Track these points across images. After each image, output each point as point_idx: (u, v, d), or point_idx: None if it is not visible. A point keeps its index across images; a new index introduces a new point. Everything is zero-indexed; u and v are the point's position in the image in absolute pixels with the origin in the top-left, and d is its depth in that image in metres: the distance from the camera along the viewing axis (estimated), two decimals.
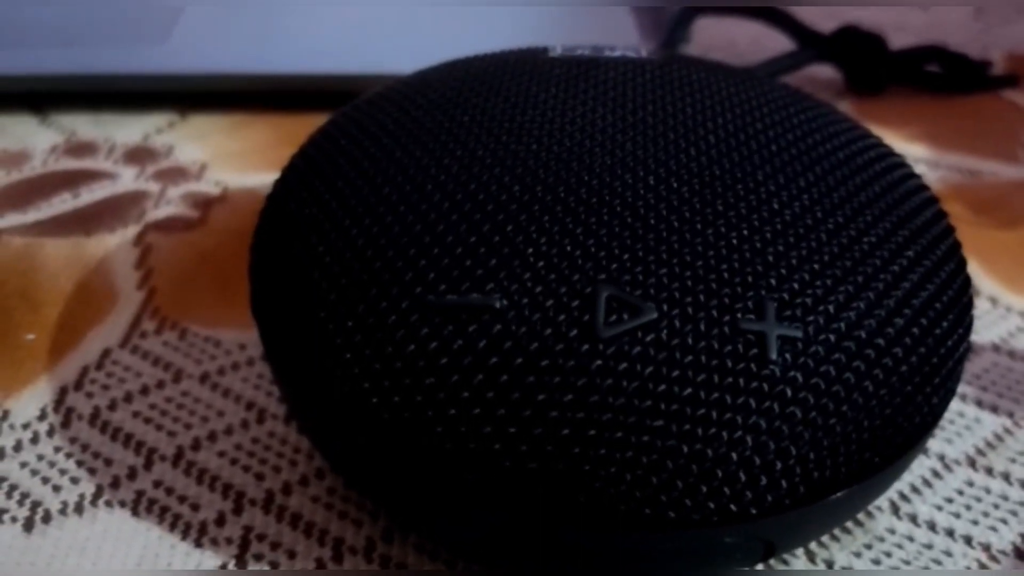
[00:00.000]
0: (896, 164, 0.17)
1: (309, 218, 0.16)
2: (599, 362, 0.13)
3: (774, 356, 0.13)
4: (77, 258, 0.22)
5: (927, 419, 0.14)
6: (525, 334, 0.13)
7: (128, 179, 0.25)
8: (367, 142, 0.17)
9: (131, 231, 0.23)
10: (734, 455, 0.13)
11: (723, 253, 0.14)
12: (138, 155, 0.26)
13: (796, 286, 0.14)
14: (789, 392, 0.13)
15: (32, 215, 0.24)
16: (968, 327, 0.15)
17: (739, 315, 0.13)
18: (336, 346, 0.14)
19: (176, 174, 0.25)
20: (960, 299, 0.15)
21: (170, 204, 0.24)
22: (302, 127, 0.28)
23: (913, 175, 0.17)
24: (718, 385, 0.13)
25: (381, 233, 0.15)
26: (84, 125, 0.27)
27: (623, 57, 0.19)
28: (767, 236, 0.14)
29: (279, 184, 0.17)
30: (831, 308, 0.14)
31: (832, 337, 0.13)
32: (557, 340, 0.13)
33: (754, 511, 0.13)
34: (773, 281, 0.14)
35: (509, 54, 0.20)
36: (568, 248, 0.14)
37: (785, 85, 0.19)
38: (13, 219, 0.24)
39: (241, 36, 0.28)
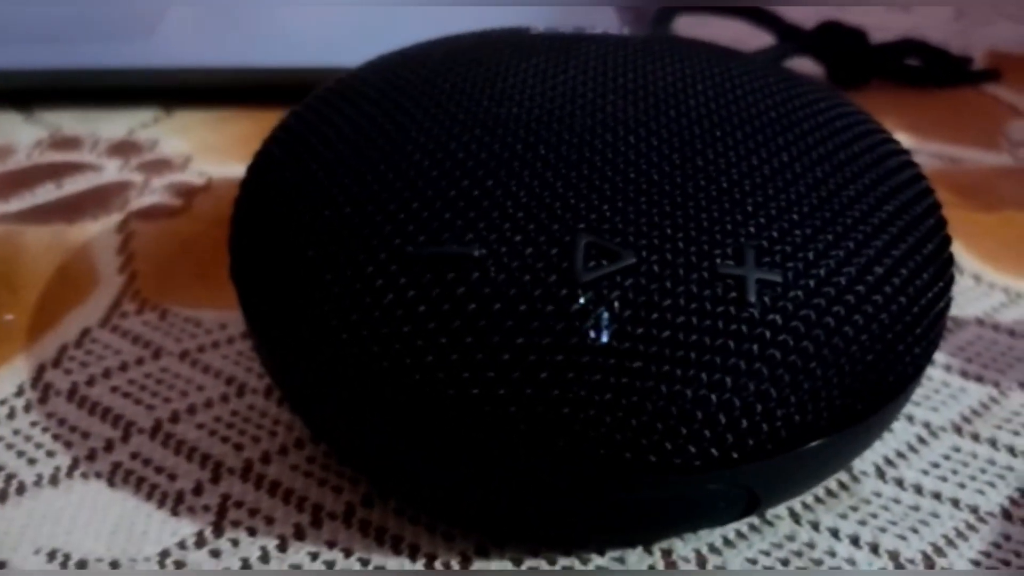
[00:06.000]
0: (874, 129, 0.17)
1: (290, 183, 0.16)
2: (577, 306, 0.13)
3: (752, 299, 0.13)
4: (59, 244, 0.22)
5: (909, 370, 0.14)
6: (504, 281, 0.13)
7: (112, 171, 0.25)
8: (349, 109, 0.17)
9: (114, 219, 0.23)
10: (713, 396, 0.13)
11: (703, 204, 0.14)
12: (122, 148, 0.26)
13: (775, 234, 0.14)
14: (768, 334, 0.13)
15: (15, 205, 0.24)
16: (948, 282, 0.15)
17: (718, 260, 0.13)
18: (315, 299, 0.14)
19: (161, 166, 0.25)
20: (940, 254, 0.15)
21: (154, 193, 0.24)
22: None
23: (891, 140, 0.17)
24: (696, 327, 0.13)
25: (360, 191, 0.15)
26: (69, 121, 0.27)
27: (606, 34, 0.19)
28: (746, 189, 0.14)
29: (260, 155, 0.17)
30: (810, 255, 0.14)
31: (811, 283, 0.13)
32: (536, 286, 0.13)
33: (735, 455, 0.13)
34: (752, 229, 0.14)
35: (492, 32, 0.20)
36: (548, 199, 0.14)
37: (767, 60, 0.19)
38: None
39: (224, 31, 0.28)
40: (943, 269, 0.15)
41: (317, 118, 0.17)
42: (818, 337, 0.13)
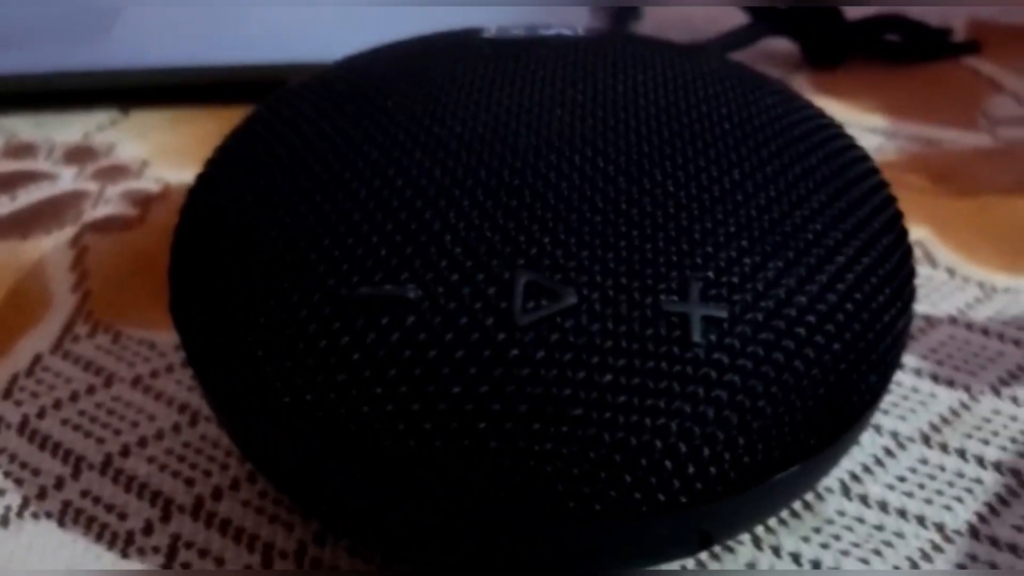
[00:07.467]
0: (833, 136, 0.16)
1: (225, 213, 0.15)
2: (516, 351, 0.12)
3: (697, 338, 0.12)
4: (12, 262, 0.22)
5: (865, 398, 0.14)
6: (440, 324, 0.13)
7: (67, 179, 0.25)
8: (287, 131, 0.16)
9: (68, 232, 0.23)
10: (658, 442, 0.12)
11: (648, 232, 0.13)
12: (78, 154, 0.26)
13: (722, 264, 0.13)
14: (714, 375, 0.12)
15: None
16: (908, 301, 0.15)
17: (662, 296, 0.13)
18: (247, 344, 0.13)
19: (116, 172, 0.25)
20: (899, 272, 0.15)
21: (108, 204, 0.24)
22: None
23: (852, 146, 0.17)
24: (639, 370, 0.12)
25: (295, 225, 0.14)
26: (25, 127, 0.27)
27: (558, 36, 0.19)
28: (694, 213, 0.14)
29: (199, 179, 0.17)
30: (759, 286, 0.13)
31: (759, 316, 0.13)
32: (473, 329, 0.12)
33: (684, 499, 0.12)
34: (699, 260, 0.13)
35: (439, 37, 0.19)
36: (487, 233, 0.13)
37: (728, 60, 0.19)
38: None
39: (182, 29, 0.28)
40: (901, 289, 0.15)
41: (254, 139, 0.16)
42: (767, 374, 0.13)
